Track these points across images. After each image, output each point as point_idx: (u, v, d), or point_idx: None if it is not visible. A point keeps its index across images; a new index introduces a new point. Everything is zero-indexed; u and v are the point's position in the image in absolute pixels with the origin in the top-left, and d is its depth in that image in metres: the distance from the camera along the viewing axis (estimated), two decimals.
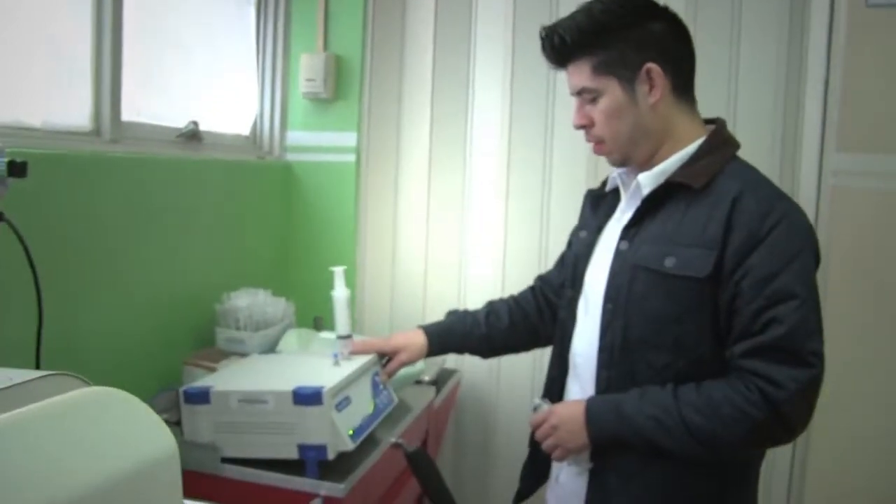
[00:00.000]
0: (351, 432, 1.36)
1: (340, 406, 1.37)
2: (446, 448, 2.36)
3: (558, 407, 1.31)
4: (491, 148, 2.31)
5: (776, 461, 2.05)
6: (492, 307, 1.61)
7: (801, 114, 2.04)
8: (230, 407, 1.36)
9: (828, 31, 1.96)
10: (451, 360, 2.02)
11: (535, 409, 1.35)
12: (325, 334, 1.86)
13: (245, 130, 2.33)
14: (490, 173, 2.32)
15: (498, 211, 2.31)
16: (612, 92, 1.24)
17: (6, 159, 1.18)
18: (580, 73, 1.26)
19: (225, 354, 1.79)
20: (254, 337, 1.82)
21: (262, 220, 2.26)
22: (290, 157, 2.39)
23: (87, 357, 1.54)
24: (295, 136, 2.39)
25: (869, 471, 1.93)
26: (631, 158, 1.30)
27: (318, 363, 1.52)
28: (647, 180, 1.26)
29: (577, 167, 2.20)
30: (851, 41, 1.91)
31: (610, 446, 1.24)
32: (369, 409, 1.48)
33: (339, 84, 2.35)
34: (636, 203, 1.28)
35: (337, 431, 1.33)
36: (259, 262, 2.24)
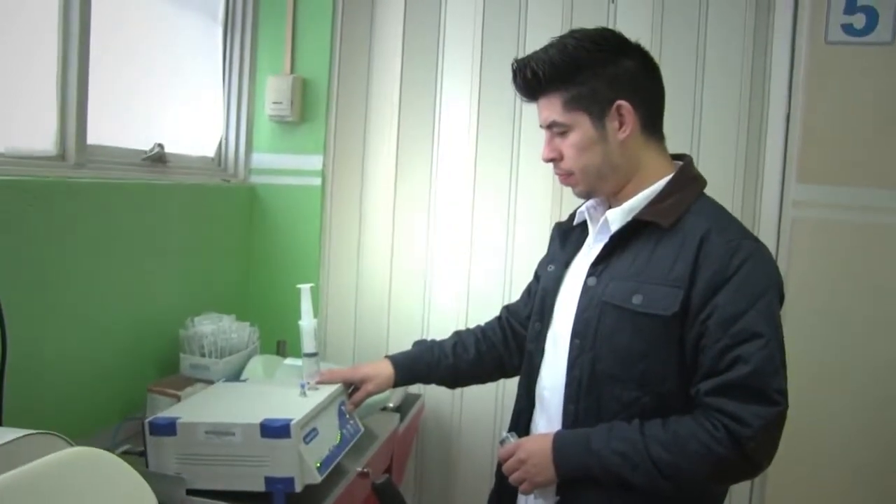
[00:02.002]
0: (318, 464, 1.36)
1: (308, 438, 1.36)
2: (409, 474, 2.36)
3: (526, 441, 1.32)
4: (457, 171, 2.33)
5: (733, 496, 2.08)
6: (459, 337, 1.62)
7: (762, 147, 2.10)
8: (197, 439, 1.34)
9: (789, 66, 2.04)
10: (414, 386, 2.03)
11: (503, 441, 1.36)
12: (289, 361, 1.85)
13: (210, 152, 2.31)
14: (456, 197, 2.33)
15: (463, 236, 2.33)
16: (583, 127, 1.27)
17: None
18: (551, 107, 1.28)
19: (189, 381, 1.77)
20: (218, 363, 1.80)
21: (226, 243, 2.25)
22: (255, 179, 2.38)
23: (50, 384, 1.52)
24: (260, 159, 2.38)
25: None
26: (597, 191, 1.33)
27: (284, 393, 1.52)
28: (616, 217, 1.29)
29: (543, 194, 2.24)
30: (811, 76, 1.98)
31: (577, 480, 1.25)
32: (336, 439, 1.48)
33: (305, 106, 2.35)
34: (604, 238, 1.30)
35: (305, 464, 1.32)
36: (224, 287, 2.22)
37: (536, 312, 1.43)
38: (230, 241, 2.27)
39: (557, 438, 1.27)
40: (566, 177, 1.33)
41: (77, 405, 1.60)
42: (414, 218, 2.37)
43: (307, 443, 1.35)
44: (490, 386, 2.19)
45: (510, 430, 1.42)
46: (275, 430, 1.31)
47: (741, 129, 2.13)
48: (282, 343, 2.17)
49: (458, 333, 1.64)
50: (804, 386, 1.69)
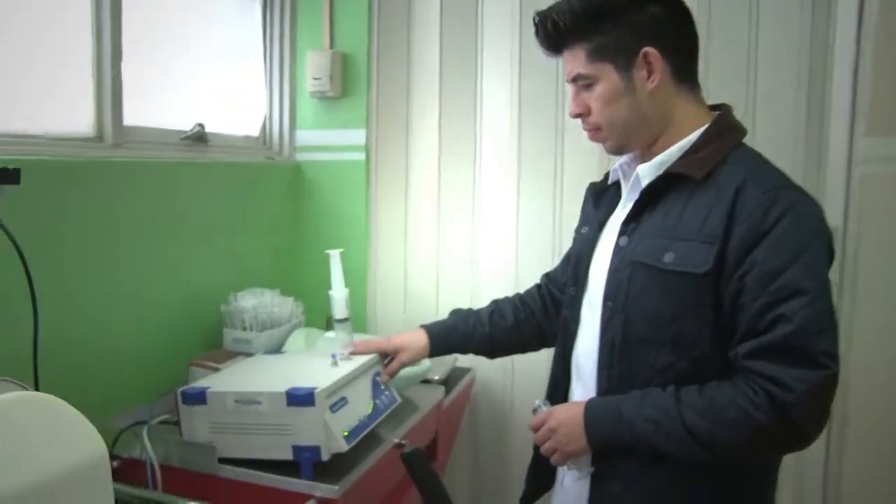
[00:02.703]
0: (346, 433, 1.35)
1: (335, 407, 1.36)
2: (462, 448, 2.34)
3: (557, 409, 1.27)
4: (501, 140, 2.28)
5: (805, 464, 1.96)
6: (496, 306, 1.59)
7: (826, 99, 1.95)
8: (226, 408, 1.36)
9: (857, 15, 1.88)
10: (464, 358, 2.01)
11: (535, 410, 1.32)
12: (330, 333, 1.85)
13: (254, 131, 2.33)
14: (501, 166, 2.28)
15: (510, 205, 2.28)
16: (609, 78, 1.20)
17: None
18: (575, 60, 1.23)
19: (231, 355, 1.80)
20: (260, 337, 1.82)
21: (272, 220, 2.27)
22: (300, 156, 2.39)
23: (93, 361, 1.57)
24: (304, 136, 2.39)
25: None
26: (628, 146, 1.27)
27: (317, 363, 1.52)
28: (647, 172, 1.22)
29: (589, 158, 2.16)
30: (882, 23, 1.82)
31: (611, 450, 1.20)
32: (367, 409, 1.47)
33: (346, 81, 2.34)
34: (636, 195, 1.24)
35: (331, 432, 1.32)
36: (269, 263, 2.25)
37: (571, 277, 1.38)
38: (275, 217, 2.29)
39: (589, 406, 1.22)
40: (595, 132, 1.27)
41: (121, 380, 1.64)
42: (460, 189, 2.34)
43: (334, 411, 1.35)
44: (542, 358, 2.16)
45: (546, 397, 1.38)
46: (299, 398, 1.31)
47: (801, 82, 1.98)
48: (330, 319, 2.18)
49: (495, 302, 1.61)
50: (876, 346, 1.61)
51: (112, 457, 1.43)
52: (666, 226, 1.17)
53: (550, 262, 2.21)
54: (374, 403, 1.51)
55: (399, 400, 1.61)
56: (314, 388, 1.32)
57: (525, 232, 2.28)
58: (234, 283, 1.99)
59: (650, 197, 1.21)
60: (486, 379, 2.31)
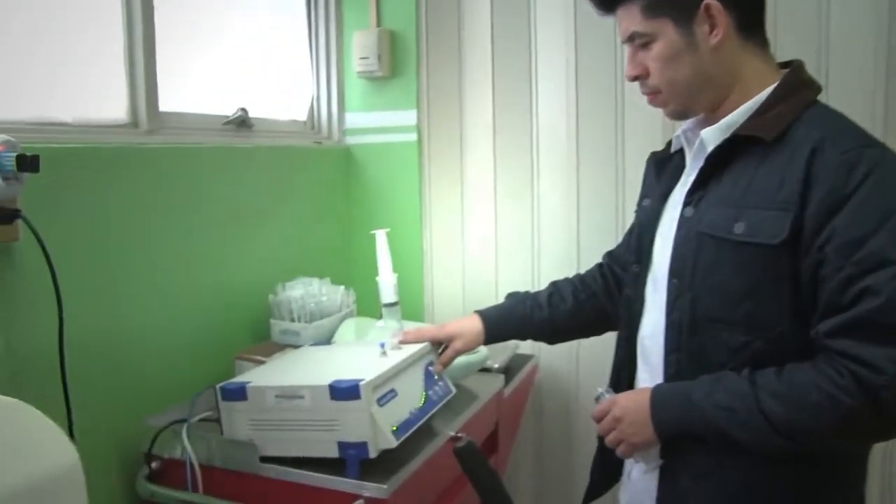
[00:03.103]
0: (394, 428, 1.25)
1: (383, 400, 1.26)
2: (525, 441, 2.22)
3: (622, 397, 1.17)
4: (558, 115, 2.13)
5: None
6: (555, 287, 1.48)
7: None
8: (267, 403, 1.28)
9: None
10: (525, 344, 1.90)
11: (598, 399, 1.21)
12: (381, 322, 1.76)
13: (301, 115, 2.26)
14: (559, 143, 2.15)
15: (569, 181, 2.14)
16: (667, 35, 1.09)
17: (16, 153, 1.14)
18: (630, 17, 1.12)
19: (279, 348, 1.72)
20: (308, 328, 1.74)
21: (320, 206, 2.19)
22: (350, 140, 2.31)
23: (134, 356, 1.51)
24: (353, 119, 2.31)
25: None
26: (691, 109, 1.15)
27: (365, 354, 1.42)
28: (711, 136, 1.11)
29: (652, 129, 2.00)
30: None
31: (680, 440, 1.08)
32: (419, 402, 1.37)
33: (394, 60, 2.24)
34: (701, 163, 1.12)
35: (378, 427, 1.22)
36: (319, 251, 2.17)
37: (634, 253, 1.27)
38: (325, 203, 2.21)
39: (656, 393, 1.11)
40: (654, 95, 1.16)
41: (163, 376, 1.58)
42: (517, 167, 2.21)
43: (381, 405, 1.25)
44: (610, 341, 2.03)
45: (609, 384, 1.26)
46: (344, 391, 1.22)
47: (880, 29, 1.77)
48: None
49: (554, 284, 1.50)
50: None
51: (152, 457, 1.38)
52: (735, 194, 1.06)
53: (613, 240, 2.07)
54: (426, 395, 1.40)
55: (454, 391, 1.50)
56: (359, 380, 1.22)
57: (586, 207, 2.13)
58: (282, 273, 1.91)
59: (717, 163, 1.10)
60: (550, 366, 2.19)
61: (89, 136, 1.48)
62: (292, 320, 1.76)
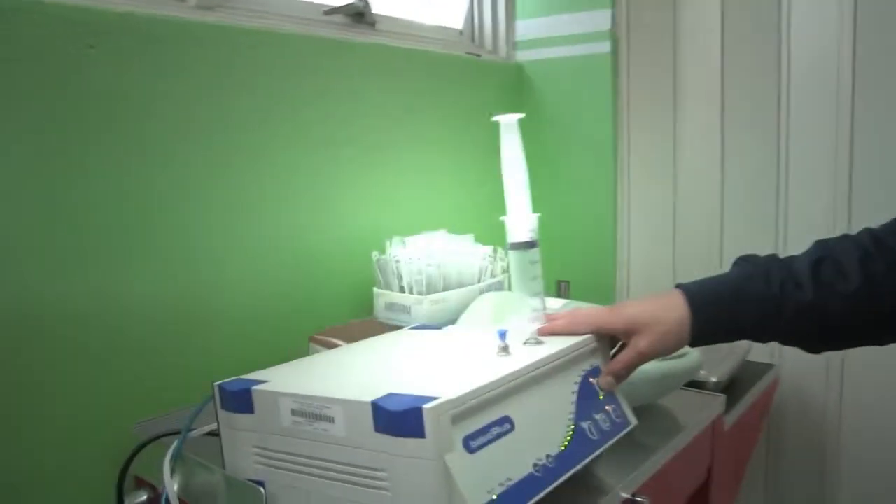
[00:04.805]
0: (494, 496, 0.64)
1: (478, 439, 0.66)
2: (754, 492, 1.53)
3: None
4: (825, 17, 1.42)
5: None
6: (825, 250, 0.80)
7: None
8: (280, 422, 0.72)
9: None
10: (761, 347, 1.23)
11: None
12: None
13: (457, 23, 1.70)
14: (823, 57, 1.45)
15: (838, 113, 1.43)
16: None
17: None
18: None
19: (383, 327, 1.18)
20: (422, 303, 1.18)
21: (473, 141, 1.62)
22: (521, 55, 1.73)
23: (195, 334, 1.11)
24: (526, 27, 1.73)
25: None
26: None
27: (479, 350, 0.83)
28: None
29: None
30: None
31: None
32: (560, 442, 0.75)
33: None
34: None
35: (459, 494, 0.62)
36: (469, 202, 1.60)
37: None
38: (479, 138, 1.63)
39: None
40: None
41: (235, 358, 1.12)
42: (756, 92, 1.55)
43: (472, 448, 0.65)
44: None
45: None
46: (397, 417, 0.63)
47: None
48: (563, 284, 1.59)
49: (824, 244, 0.82)
50: None
51: (140, 481, 0.91)
52: None
53: None
54: (576, 428, 0.78)
55: (634, 422, 0.86)
56: (430, 398, 0.63)
57: (861, 151, 1.44)
58: (408, 227, 1.37)
59: None
60: (797, 380, 1.49)
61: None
62: (401, 290, 1.21)
